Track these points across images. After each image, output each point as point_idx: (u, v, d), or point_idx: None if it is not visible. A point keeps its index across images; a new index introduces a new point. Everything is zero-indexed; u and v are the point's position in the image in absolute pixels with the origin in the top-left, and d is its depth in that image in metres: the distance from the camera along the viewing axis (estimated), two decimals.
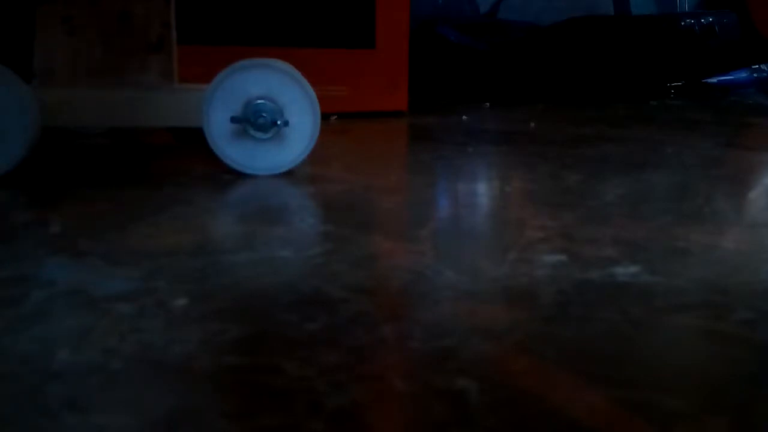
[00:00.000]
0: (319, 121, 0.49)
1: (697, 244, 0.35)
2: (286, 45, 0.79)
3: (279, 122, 0.47)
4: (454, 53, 1.10)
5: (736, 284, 0.29)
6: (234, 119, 0.47)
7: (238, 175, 0.48)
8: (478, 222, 0.41)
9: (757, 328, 0.25)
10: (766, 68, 1.30)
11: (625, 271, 0.30)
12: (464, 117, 0.88)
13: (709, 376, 0.22)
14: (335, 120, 0.82)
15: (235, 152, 0.48)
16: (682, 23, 1.11)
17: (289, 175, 0.50)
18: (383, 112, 0.86)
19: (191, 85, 0.53)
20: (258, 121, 0.47)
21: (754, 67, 1.29)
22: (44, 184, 0.46)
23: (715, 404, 0.20)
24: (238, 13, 0.77)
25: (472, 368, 0.21)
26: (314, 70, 0.81)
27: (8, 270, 0.29)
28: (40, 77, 0.51)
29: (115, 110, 0.50)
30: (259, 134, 0.48)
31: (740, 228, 0.39)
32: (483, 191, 0.49)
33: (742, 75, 1.30)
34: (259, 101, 0.47)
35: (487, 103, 1.01)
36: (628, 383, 0.21)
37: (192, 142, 0.59)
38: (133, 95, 0.50)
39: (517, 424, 0.19)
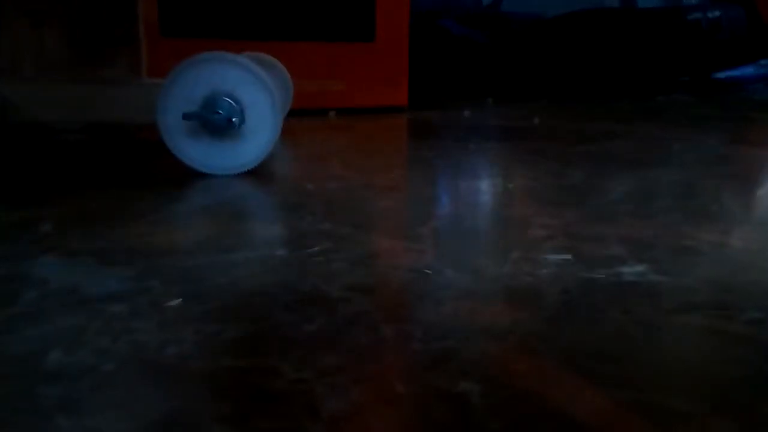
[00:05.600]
0: (279, 118, 0.47)
1: (705, 242, 0.34)
2: (284, 38, 0.78)
3: (235, 119, 0.45)
4: (456, 47, 1.09)
5: (744, 283, 0.29)
6: (187, 115, 0.44)
7: (235, 173, 0.48)
8: (480, 220, 0.40)
9: (766, 328, 0.24)
10: None
11: (632, 270, 0.30)
12: (466, 112, 0.87)
13: (716, 377, 0.21)
14: (334, 115, 0.81)
15: (192, 150, 0.46)
16: (689, 17, 1.10)
17: (286, 172, 0.50)
18: (383, 107, 0.85)
19: (160, 79, 0.51)
20: (213, 118, 0.44)
21: (761, 62, 1.27)
22: (32, 182, 0.45)
23: (722, 405, 0.19)
24: (234, 7, 0.76)
25: (474, 369, 0.21)
26: (312, 64, 0.81)
27: (0, 269, 0.29)
28: (5, 72, 0.50)
29: (82, 105, 0.49)
30: (214, 132, 0.45)
31: (748, 226, 0.39)
32: (485, 189, 0.49)
33: (749, 70, 1.29)
34: (214, 97, 0.45)
35: (490, 99, 1.01)
36: (633, 384, 0.20)
37: None
38: (99, 90, 0.49)
39: (520, 426, 0.18)
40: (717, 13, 1.10)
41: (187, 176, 0.46)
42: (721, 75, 1.32)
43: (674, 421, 0.19)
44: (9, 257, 0.30)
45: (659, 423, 0.18)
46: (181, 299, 0.26)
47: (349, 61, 0.82)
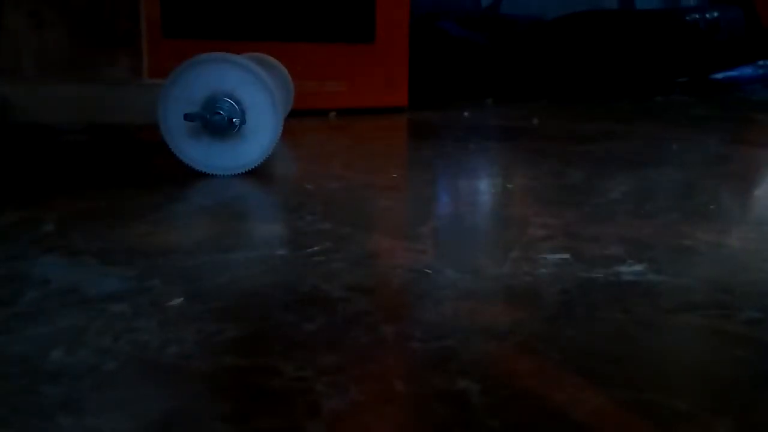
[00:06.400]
0: (280, 118, 0.47)
1: (703, 242, 0.34)
2: (285, 39, 0.78)
3: (236, 120, 0.45)
4: (455, 48, 1.09)
5: (743, 283, 0.29)
6: (188, 116, 0.44)
7: (234, 173, 0.48)
8: (479, 220, 0.40)
9: (764, 327, 0.24)
10: None
11: (630, 269, 0.30)
12: (465, 113, 0.87)
13: (714, 377, 0.21)
14: (334, 116, 0.81)
15: (192, 150, 0.46)
16: (687, 18, 1.10)
17: (286, 172, 0.50)
18: (383, 107, 0.85)
19: (161, 80, 0.51)
20: (213, 119, 0.44)
21: (759, 62, 1.28)
22: (34, 182, 0.45)
23: (721, 405, 0.19)
24: (235, 8, 0.76)
25: (474, 369, 0.21)
26: (313, 65, 0.81)
27: (1, 269, 0.29)
28: (6, 72, 0.50)
29: (84, 106, 0.49)
30: (215, 132, 0.45)
31: (747, 226, 0.39)
32: (485, 188, 0.49)
33: (748, 71, 1.29)
34: (215, 97, 0.45)
35: (490, 99, 1.01)
36: (632, 384, 0.20)
37: None
38: (101, 90, 0.49)
39: (519, 426, 0.18)
40: (715, 14, 1.10)
41: (188, 176, 0.46)
42: (719, 76, 1.32)
43: (674, 421, 0.19)
44: (9, 257, 0.30)
45: (659, 423, 0.18)
46: (182, 299, 0.26)
47: (350, 61, 0.82)
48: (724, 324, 0.25)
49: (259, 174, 0.48)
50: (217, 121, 0.45)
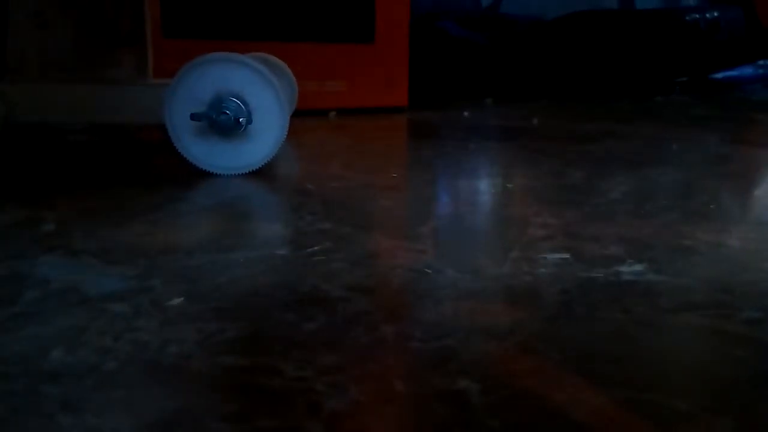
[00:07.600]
0: (286, 119, 0.47)
1: (703, 242, 0.34)
2: (285, 39, 0.78)
3: (242, 120, 0.45)
4: (455, 48, 1.09)
5: (743, 283, 0.29)
6: (194, 116, 0.44)
7: (235, 173, 0.48)
8: (479, 220, 0.40)
9: (764, 327, 0.24)
10: None
11: (630, 269, 0.30)
12: (465, 113, 0.87)
13: (714, 377, 0.21)
14: (334, 116, 0.81)
15: (198, 150, 0.46)
16: (687, 18, 1.10)
17: (287, 172, 0.50)
18: (383, 107, 0.85)
19: (166, 80, 0.51)
20: (220, 119, 0.44)
21: (759, 62, 1.28)
22: (35, 181, 0.45)
23: (721, 405, 0.19)
24: (235, 8, 0.76)
25: (474, 368, 0.21)
26: (313, 65, 0.81)
27: (1, 269, 0.29)
28: (11, 72, 0.50)
29: (87, 105, 0.49)
30: (221, 132, 0.45)
31: (747, 226, 0.39)
32: (485, 188, 0.49)
33: (748, 71, 1.29)
34: (221, 97, 0.45)
35: (490, 99, 1.01)
36: (632, 384, 0.20)
37: None
38: (105, 90, 0.49)
39: (519, 426, 0.18)
40: (715, 14, 1.10)
41: (189, 176, 0.46)
42: (719, 76, 1.32)
43: (674, 421, 0.19)
44: (10, 256, 0.30)
45: (659, 423, 0.18)
46: (182, 299, 0.26)
47: (350, 61, 0.82)
48: (724, 324, 0.25)
49: (259, 174, 0.48)
50: (224, 121, 0.45)
